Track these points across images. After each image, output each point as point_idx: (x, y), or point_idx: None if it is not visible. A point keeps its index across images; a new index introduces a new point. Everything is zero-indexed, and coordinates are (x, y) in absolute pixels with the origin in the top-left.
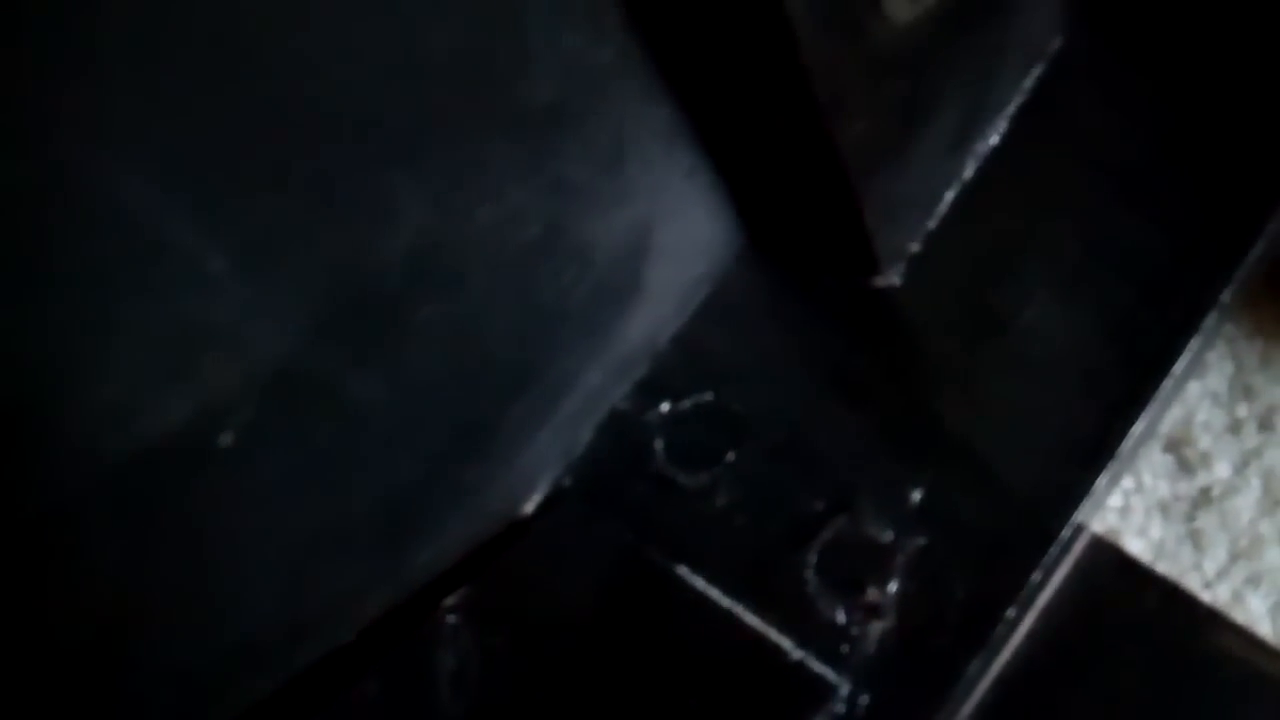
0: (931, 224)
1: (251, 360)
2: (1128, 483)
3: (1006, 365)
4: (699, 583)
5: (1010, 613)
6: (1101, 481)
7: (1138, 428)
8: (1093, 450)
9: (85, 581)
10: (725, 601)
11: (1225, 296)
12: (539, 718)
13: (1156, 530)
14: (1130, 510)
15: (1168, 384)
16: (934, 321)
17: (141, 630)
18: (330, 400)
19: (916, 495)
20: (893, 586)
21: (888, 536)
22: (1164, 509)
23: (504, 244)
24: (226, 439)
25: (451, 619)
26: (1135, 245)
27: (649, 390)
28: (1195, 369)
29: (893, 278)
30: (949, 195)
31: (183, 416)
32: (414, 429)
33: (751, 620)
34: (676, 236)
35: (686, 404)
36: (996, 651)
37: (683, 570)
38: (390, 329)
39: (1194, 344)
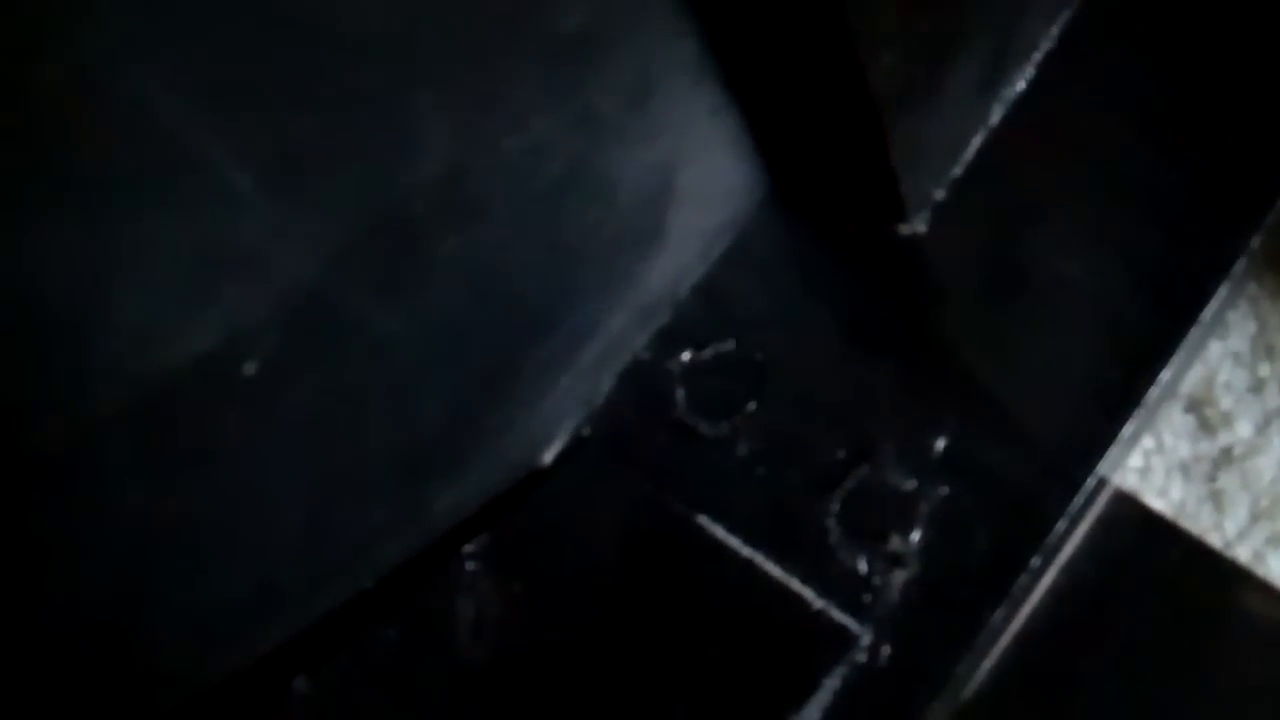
0: (958, 170)
1: (277, 285)
2: (1148, 443)
3: (1031, 313)
4: (719, 532)
5: (1034, 562)
6: (1127, 430)
7: (1165, 375)
8: (1118, 399)
9: (105, 512)
10: (746, 551)
11: (1255, 243)
12: (558, 665)
13: (1177, 491)
14: (1151, 471)
15: (1195, 332)
16: (959, 269)
17: (160, 565)
18: (355, 332)
19: (940, 444)
20: (915, 536)
21: (910, 485)
22: (1185, 469)
23: (529, 177)
24: (251, 367)
25: (471, 566)
26: (1163, 192)
27: (670, 339)
28: (1218, 329)
29: (918, 225)
30: (976, 141)
31: (208, 342)
32: (437, 367)
33: (772, 570)
34: (700, 180)
35: (708, 353)
36: (1019, 603)
37: (703, 520)
38: (415, 260)
39: (1222, 291)
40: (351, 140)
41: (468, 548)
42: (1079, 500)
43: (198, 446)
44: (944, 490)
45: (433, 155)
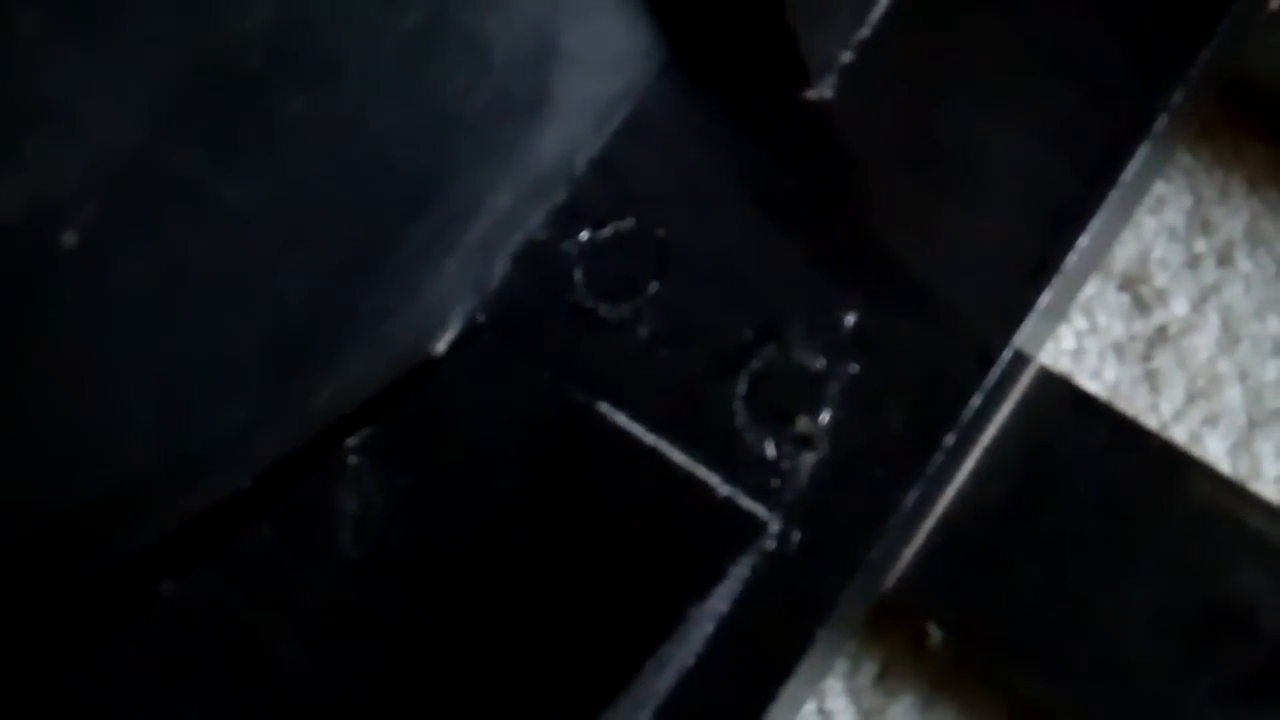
0: (865, 31)
1: (89, 146)
2: (1081, 323)
3: (945, 181)
4: (621, 419)
5: (949, 440)
6: (1044, 300)
7: (1084, 241)
8: (1036, 267)
9: None
10: (649, 438)
11: (1177, 98)
12: (448, 562)
13: (1111, 372)
14: (1084, 352)
15: (1116, 195)
16: (869, 136)
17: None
18: (193, 202)
19: (850, 320)
20: (825, 416)
21: (819, 364)
22: (1119, 350)
23: (381, 30)
24: (70, 238)
25: (354, 460)
26: (1081, 49)
27: (567, 217)
28: (1151, 203)
29: (824, 90)
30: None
31: (12, 207)
32: (298, 244)
33: (677, 457)
34: (588, 43)
35: (607, 231)
36: (938, 486)
37: (604, 407)
38: (256, 121)
39: (1144, 150)
40: None
41: (350, 441)
42: (997, 374)
43: (22, 326)
44: (854, 368)
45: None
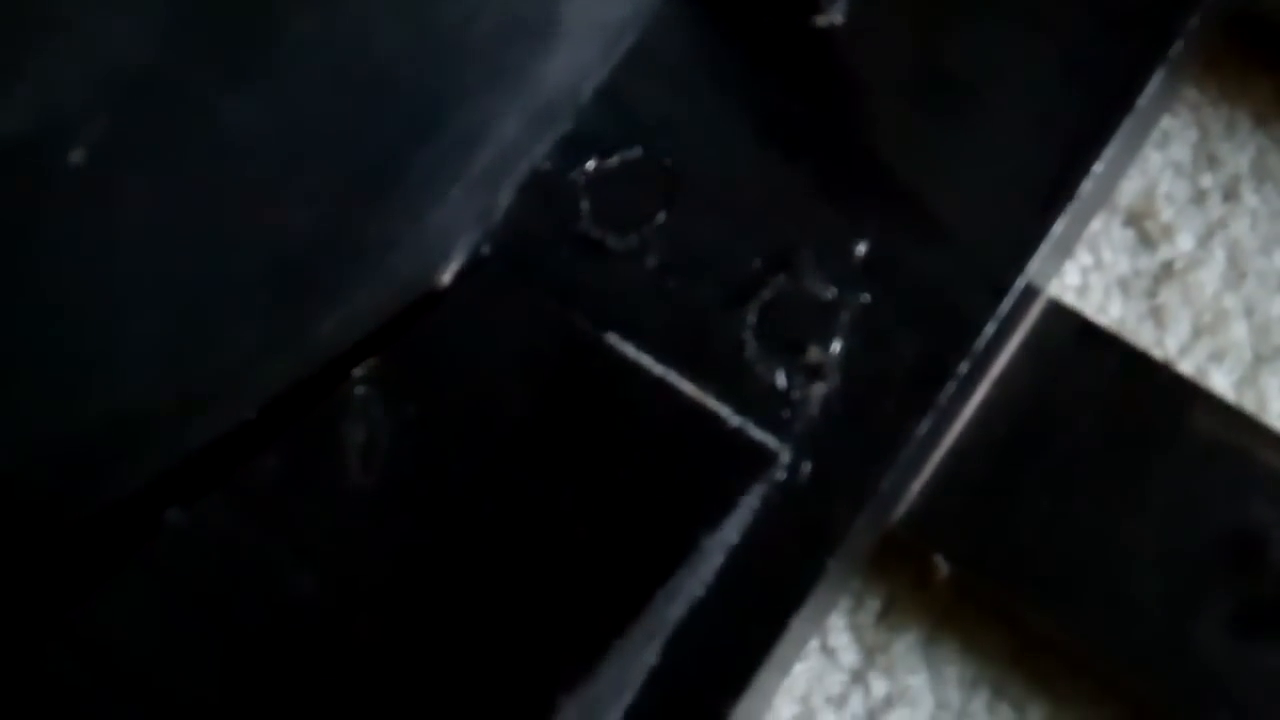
0: None
1: (98, 60)
2: (1086, 259)
3: (957, 109)
4: (629, 350)
5: (961, 369)
6: (1059, 228)
7: (1098, 167)
8: (1050, 194)
9: None
10: (658, 369)
11: (1193, 23)
12: (455, 491)
13: (1116, 308)
14: (1089, 288)
15: (1129, 121)
16: (879, 63)
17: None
18: (201, 121)
19: (861, 249)
20: (835, 346)
21: (830, 294)
22: (1124, 285)
23: None
24: (78, 156)
25: (360, 390)
26: None
27: (573, 147)
28: (1157, 137)
29: (834, 16)
30: None
31: (19, 123)
32: (302, 169)
33: (686, 388)
34: None
35: (614, 160)
36: (948, 418)
37: (612, 338)
38: (263, 40)
39: (1159, 76)
40: None
41: (357, 371)
42: (1008, 304)
43: (26, 248)
44: (865, 298)
45: None
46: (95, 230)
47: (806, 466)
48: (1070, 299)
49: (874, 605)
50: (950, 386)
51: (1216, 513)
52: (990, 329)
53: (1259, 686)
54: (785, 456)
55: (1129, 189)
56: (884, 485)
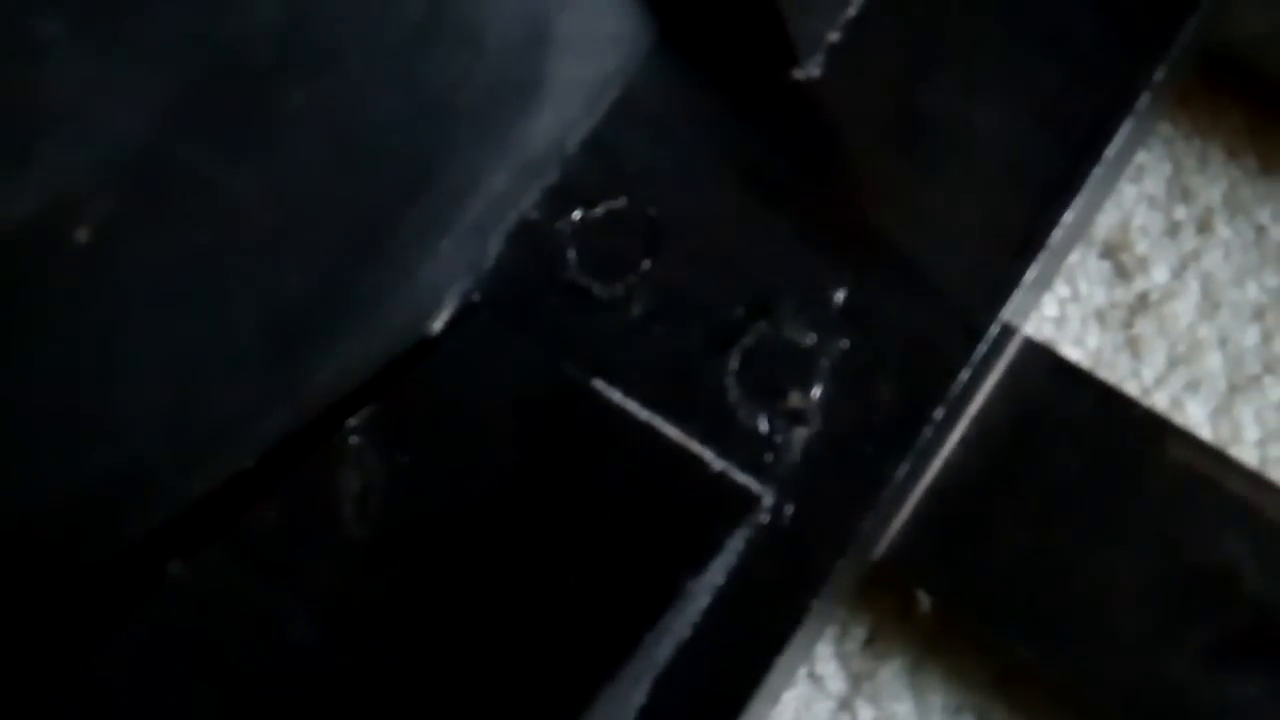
0: (851, 10)
1: (102, 143)
2: (1063, 291)
3: (931, 159)
4: (616, 396)
5: (938, 413)
6: (1031, 275)
7: (1069, 216)
8: (1021, 242)
9: None
10: (643, 414)
11: (1159, 75)
12: (448, 538)
13: (1093, 339)
14: (1066, 320)
15: (1099, 171)
16: (856, 114)
17: (8, 455)
18: (199, 194)
19: (839, 296)
20: (816, 391)
21: (810, 340)
22: (1100, 317)
23: (382, 22)
24: (83, 234)
25: (355, 439)
26: (1065, 25)
27: (560, 197)
28: (1131, 171)
29: (812, 69)
30: None
31: (27, 207)
32: (299, 230)
33: (671, 432)
34: (579, 27)
35: (599, 210)
36: (927, 458)
37: (599, 383)
38: (261, 114)
39: (1127, 127)
40: None
41: (351, 421)
42: (984, 348)
43: (35, 321)
44: (844, 343)
45: None
46: (99, 301)
47: (789, 509)
48: (1048, 330)
49: (860, 634)
50: (928, 429)
51: (1192, 546)
52: (966, 373)
53: (1234, 717)
54: (768, 500)
55: (1105, 222)
56: (865, 526)
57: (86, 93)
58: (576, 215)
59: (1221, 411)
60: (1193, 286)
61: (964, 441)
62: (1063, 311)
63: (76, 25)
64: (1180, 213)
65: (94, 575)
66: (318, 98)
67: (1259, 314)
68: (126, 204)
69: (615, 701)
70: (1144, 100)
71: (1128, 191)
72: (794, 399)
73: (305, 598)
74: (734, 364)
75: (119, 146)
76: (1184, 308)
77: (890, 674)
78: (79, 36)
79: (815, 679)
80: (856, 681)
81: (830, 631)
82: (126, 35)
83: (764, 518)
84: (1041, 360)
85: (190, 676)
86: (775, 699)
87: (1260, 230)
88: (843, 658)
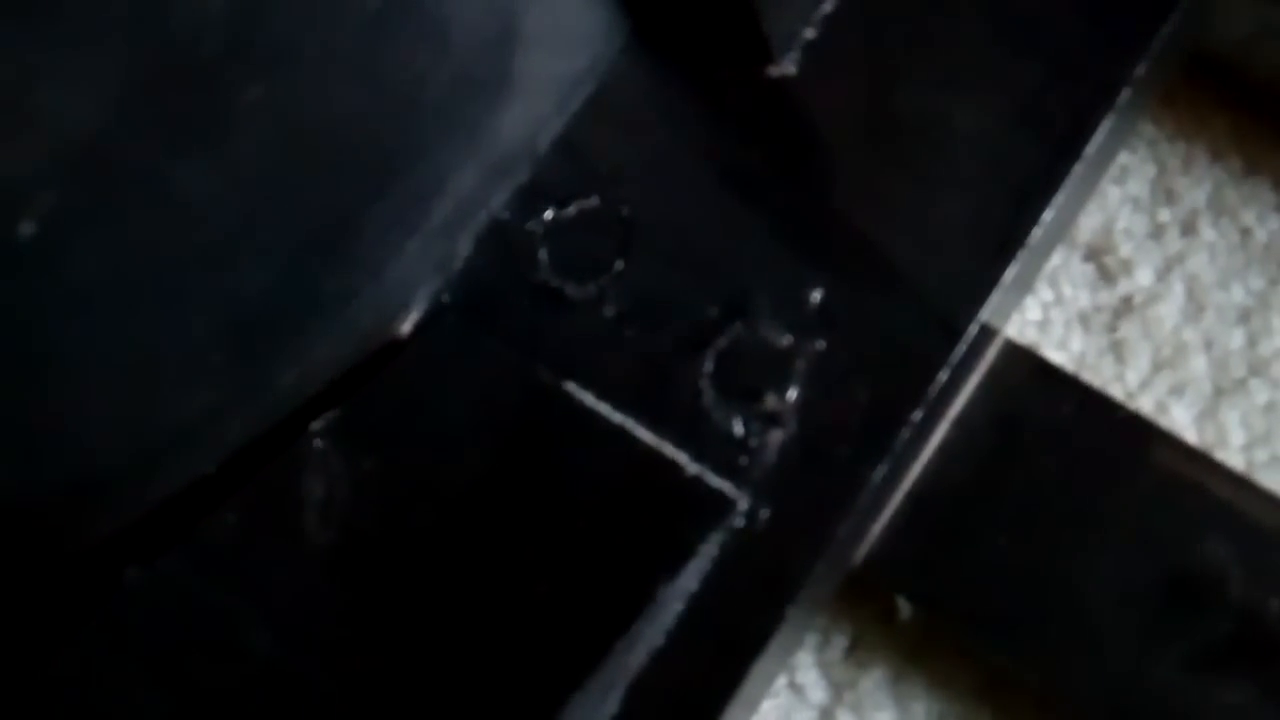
0: (827, 6)
1: (47, 133)
2: (1046, 294)
3: (909, 157)
4: (588, 399)
5: (917, 416)
6: (1010, 274)
7: (1048, 215)
8: (1000, 241)
9: None
10: (616, 417)
11: (1140, 71)
12: (414, 545)
13: (1077, 343)
14: (1050, 323)
15: (1080, 168)
16: (832, 112)
17: None
18: (151, 188)
19: (816, 296)
20: (792, 393)
21: (786, 341)
22: (1084, 320)
23: (339, 15)
24: (29, 227)
25: (319, 443)
26: (1044, 21)
27: (531, 197)
28: (1115, 173)
29: (787, 67)
30: None
31: None
32: (258, 228)
33: (644, 435)
34: (549, 23)
35: (571, 210)
36: (906, 461)
37: (571, 386)
38: (215, 108)
39: (1107, 124)
40: None
41: (315, 425)
42: (963, 349)
43: None
44: (820, 344)
45: None
46: (49, 296)
47: (764, 513)
48: (1031, 334)
49: (841, 642)
50: (906, 432)
51: (1175, 550)
52: (945, 374)
53: None
54: (743, 504)
55: (1088, 225)
56: (842, 531)
57: (29, 80)
58: (548, 215)
59: (1207, 415)
60: (1177, 289)
61: (945, 445)
62: (1046, 315)
63: (18, 11)
64: (1164, 215)
65: (47, 582)
66: (275, 90)
67: (1244, 317)
68: (74, 197)
69: (586, 710)
70: (1125, 96)
71: (1111, 193)
72: (769, 401)
73: (264, 605)
74: (708, 366)
75: (65, 137)
76: (1169, 311)
77: (872, 683)
78: (22, 23)
79: (796, 688)
80: (838, 691)
81: (811, 640)
82: (71, 22)
83: (739, 522)
84: (1023, 363)
85: (146, 685)
86: (753, 707)
87: (1245, 232)
88: (824, 666)
